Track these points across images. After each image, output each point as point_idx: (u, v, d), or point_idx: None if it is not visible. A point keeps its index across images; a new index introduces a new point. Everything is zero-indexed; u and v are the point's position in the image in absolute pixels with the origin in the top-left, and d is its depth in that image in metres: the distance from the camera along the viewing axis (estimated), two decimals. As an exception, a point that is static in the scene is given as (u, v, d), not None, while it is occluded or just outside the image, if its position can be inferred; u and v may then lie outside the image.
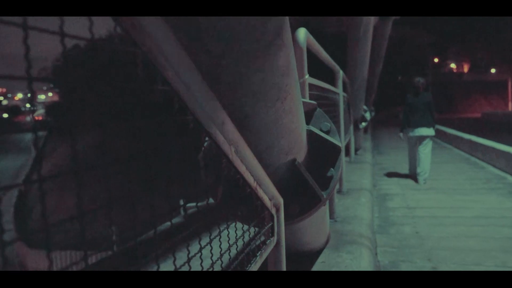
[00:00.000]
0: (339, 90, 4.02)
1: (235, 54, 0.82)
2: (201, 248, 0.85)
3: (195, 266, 0.82)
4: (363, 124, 8.35)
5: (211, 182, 1.44)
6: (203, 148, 1.39)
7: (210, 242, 0.90)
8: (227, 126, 0.87)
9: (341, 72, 4.19)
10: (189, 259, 0.79)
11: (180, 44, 0.69)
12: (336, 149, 1.51)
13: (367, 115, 8.86)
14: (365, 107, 8.73)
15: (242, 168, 0.98)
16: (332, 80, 3.93)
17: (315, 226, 2.19)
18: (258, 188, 1.12)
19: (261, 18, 0.81)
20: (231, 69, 0.85)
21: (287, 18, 0.96)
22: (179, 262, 0.75)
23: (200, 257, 0.85)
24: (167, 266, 0.75)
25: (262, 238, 1.24)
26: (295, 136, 1.27)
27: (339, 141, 1.55)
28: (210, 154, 1.38)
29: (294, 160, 1.35)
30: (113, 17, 0.55)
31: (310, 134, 1.45)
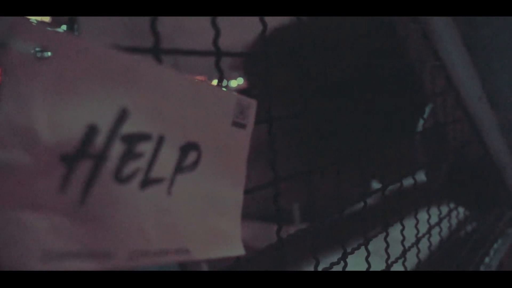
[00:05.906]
0: None
1: (499, 23, 0.75)
2: (430, 227, 0.77)
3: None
4: None
5: (427, 161, 1.37)
6: (423, 127, 1.34)
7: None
8: (483, 103, 0.81)
9: None
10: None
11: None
12: None
13: None
14: None
15: (491, 149, 0.90)
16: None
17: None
18: (503, 170, 1.01)
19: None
20: (489, 40, 0.78)
21: None
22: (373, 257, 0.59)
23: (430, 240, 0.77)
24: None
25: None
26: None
27: None
28: (433, 133, 1.31)
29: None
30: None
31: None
